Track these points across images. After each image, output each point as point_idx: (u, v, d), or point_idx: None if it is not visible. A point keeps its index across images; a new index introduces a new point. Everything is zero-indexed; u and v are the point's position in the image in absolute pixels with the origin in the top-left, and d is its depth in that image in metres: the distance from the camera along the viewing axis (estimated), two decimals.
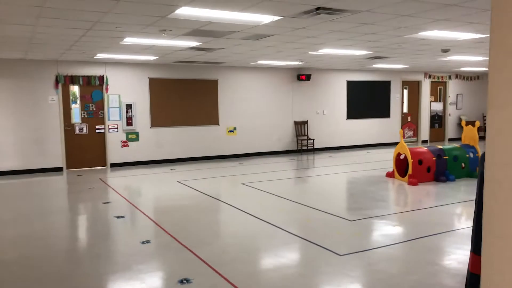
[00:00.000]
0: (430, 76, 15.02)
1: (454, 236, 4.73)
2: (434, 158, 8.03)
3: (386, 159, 10.97)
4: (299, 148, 12.53)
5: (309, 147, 12.54)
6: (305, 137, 12.52)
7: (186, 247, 4.46)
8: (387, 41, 7.22)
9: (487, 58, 10.08)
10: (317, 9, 4.84)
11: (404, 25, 5.74)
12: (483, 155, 3.14)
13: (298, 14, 5.03)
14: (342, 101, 13.30)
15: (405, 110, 14.87)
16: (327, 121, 13.07)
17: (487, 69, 13.99)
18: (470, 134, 8.68)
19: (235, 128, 11.73)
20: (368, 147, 13.70)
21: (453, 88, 15.67)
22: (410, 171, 7.87)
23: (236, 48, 7.94)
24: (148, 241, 4.69)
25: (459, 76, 15.69)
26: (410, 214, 5.75)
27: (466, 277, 2.89)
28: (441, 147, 8.38)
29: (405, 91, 14.78)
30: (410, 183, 7.76)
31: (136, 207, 6.31)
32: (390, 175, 8.52)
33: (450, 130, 15.88)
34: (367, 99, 13.75)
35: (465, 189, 7.31)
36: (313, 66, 11.85)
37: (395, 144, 14.34)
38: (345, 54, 9.10)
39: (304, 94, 12.64)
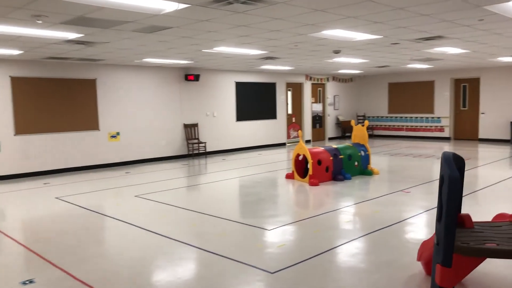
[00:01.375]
0: (311, 78, 15.60)
1: (376, 238, 4.63)
2: (331, 158, 8.12)
3: (278, 160, 10.94)
4: (190, 153, 11.86)
5: (200, 151, 11.95)
6: (196, 141, 11.90)
7: (85, 283, 3.57)
8: (287, 40, 7.03)
9: (367, 61, 10.56)
10: None
11: (312, 22, 5.55)
12: (447, 157, 2.97)
13: (209, 2, 4.46)
14: (231, 102, 12.99)
15: (290, 111, 15.20)
16: (217, 124, 12.62)
17: (361, 71, 15.13)
18: (360, 133, 9.02)
19: (118, 133, 10.58)
20: (258, 149, 13.63)
21: (330, 89, 16.53)
22: (310, 171, 7.82)
23: (123, 43, 7.01)
24: (31, 281, 3.66)
25: (336, 78, 16.62)
26: (324, 217, 5.57)
27: None
28: (336, 146, 8.53)
29: (289, 93, 15.11)
30: (311, 184, 7.70)
31: (6, 235, 5.05)
32: (290, 176, 8.40)
33: (330, 129, 16.73)
34: (254, 101, 13.68)
35: (363, 187, 7.49)
36: (202, 66, 11.29)
37: (283, 144, 14.57)
38: (239, 53, 8.74)
39: (193, 96, 12.01)
